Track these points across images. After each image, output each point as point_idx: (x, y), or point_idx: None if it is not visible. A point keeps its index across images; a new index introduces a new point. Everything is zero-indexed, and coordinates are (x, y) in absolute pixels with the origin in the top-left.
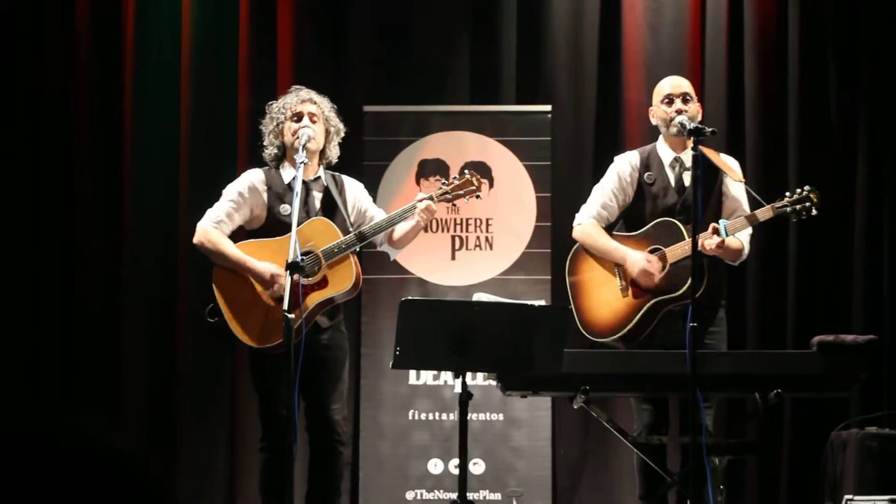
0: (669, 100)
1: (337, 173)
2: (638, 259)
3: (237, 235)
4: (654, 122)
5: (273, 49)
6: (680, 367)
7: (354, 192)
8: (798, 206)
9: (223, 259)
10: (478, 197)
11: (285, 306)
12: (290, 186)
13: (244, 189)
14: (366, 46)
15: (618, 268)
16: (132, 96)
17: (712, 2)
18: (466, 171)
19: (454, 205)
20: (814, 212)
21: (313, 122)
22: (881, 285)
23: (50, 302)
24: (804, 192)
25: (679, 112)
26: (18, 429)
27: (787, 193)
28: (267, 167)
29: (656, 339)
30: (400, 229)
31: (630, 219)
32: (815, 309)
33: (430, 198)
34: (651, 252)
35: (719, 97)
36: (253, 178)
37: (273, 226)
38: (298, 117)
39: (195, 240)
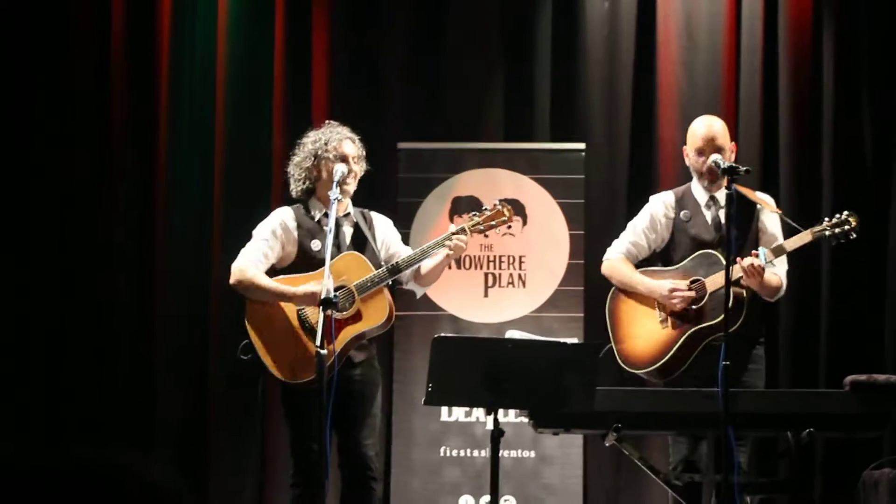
0: (701, 152)
1: (366, 210)
2: (663, 283)
3: (269, 275)
4: (687, 162)
5: (308, 87)
6: (712, 406)
7: (383, 228)
8: (837, 230)
9: (262, 293)
10: (509, 227)
11: (318, 342)
12: (319, 223)
13: (277, 227)
14: (401, 82)
15: (657, 302)
16: (167, 136)
17: (747, 40)
18: (498, 203)
19: (486, 236)
20: (853, 235)
21: (355, 163)
22: None
23: (83, 334)
24: (843, 216)
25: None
26: (53, 461)
27: (826, 218)
28: (296, 205)
29: (694, 373)
30: (426, 265)
31: (667, 258)
32: (848, 347)
33: (462, 229)
34: (691, 283)
35: (753, 135)
36: (283, 216)
37: (304, 262)
38: (343, 158)
39: (232, 280)
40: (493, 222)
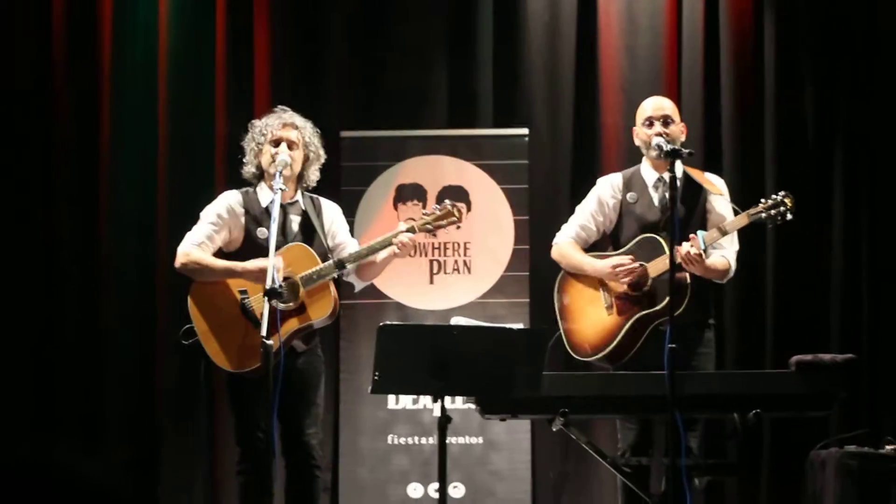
0: (650, 122)
1: (315, 196)
2: (606, 262)
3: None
4: (636, 142)
5: (250, 74)
6: (659, 389)
7: (331, 215)
8: (773, 212)
9: (210, 272)
10: (458, 227)
11: (263, 332)
12: (267, 210)
13: (223, 211)
14: (342, 71)
15: (602, 286)
16: (110, 121)
17: (688, 23)
18: (448, 201)
19: (435, 235)
20: (789, 216)
21: (292, 148)
22: (860, 303)
23: (28, 327)
24: (779, 198)
25: (659, 135)
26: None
27: (762, 200)
28: (244, 189)
29: (645, 359)
30: (374, 260)
31: (616, 240)
32: (793, 328)
33: (412, 229)
34: None
35: (696, 117)
36: (230, 199)
37: (250, 249)
38: (277, 143)
39: (177, 263)
40: (443, 222)
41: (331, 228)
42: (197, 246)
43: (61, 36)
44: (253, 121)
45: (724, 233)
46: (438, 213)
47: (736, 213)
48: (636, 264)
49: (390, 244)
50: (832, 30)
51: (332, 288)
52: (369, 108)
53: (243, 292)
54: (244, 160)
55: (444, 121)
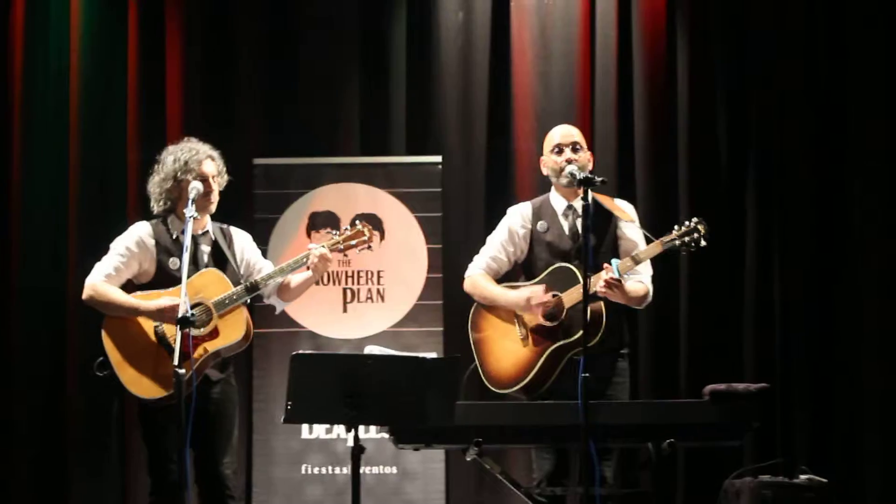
0: (559, 149)
1: (225, 225)
2: (520, 294)
3: (126, 289)
4: (545, 172)
5: (162, 102)
6: (573, 418)
7: (242, 243)
8: (686, 239)
9: (115, 308)
10: (369, 248)
11: (175, 361)
12: (178, 241)
13: (132, 243)
14: (255, 98)
15: (517, 318)
16: (20, 150)
17: (602, 50)
18: (358, 222)
19: (345, 255)
20: (703, 243)
21: (215, 181)
22: (772, 332)
23: None
24: (692, 224)
25: (569, 161)
26: None
27: (676, 227)
28: (154, 220)
29: (562, 389)
30: (292, 282)
31: (528, 269)
32: (707, 356)
33: (321, 248)
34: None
35: (610, 143)
36: (140, 231)
37: (162, 279)
38: (204, 179)
39: (84, 295)
40: (353, 242)
41: (243, 256)
42: (105, 278)
43: None
44: (162, 155)
45: (637, 261)
46: (348, 233)
47: (648, 239)
48: (549, 295)
49: (301, 265)
50: (745, 52)
51: (245, 311)
52: (282, 135)
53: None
54: (154, 196)
55: (357, 148)
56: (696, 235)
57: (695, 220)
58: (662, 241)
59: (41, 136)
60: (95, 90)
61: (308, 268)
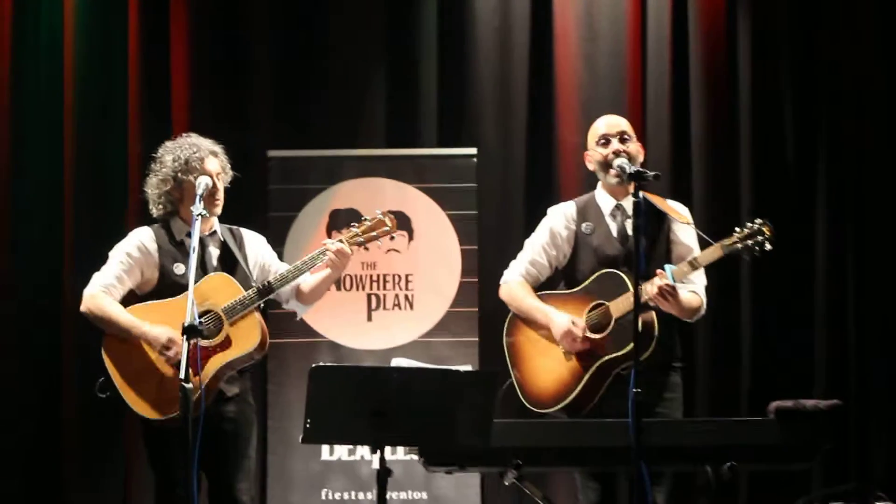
0: (606, 140)
1: (235, 227)
2: (560, 322)
3: (128, 300)
4: (590, 167)
5: (167, 87)
6: (623, 439)
7: (256, 246)
8: (750, 242)
9: (114, 326)
10: (392, 238)
11: (182, 374)
12: (182, 244)
13: (133, 249)
14: (270, 84)
15: None
16: (10, 144)
17: (654, 30)
18: (379, 211)
19: (366, 249)
20: (767, 247)
21: (219, 179)
22: (846, 343)
23: None
24: (755, 226)
25: (617, 154)
26: None
27: (737, 229)
28: (157, 225)
29: (606, 408)
30: (309, 282)
31: (570, 275)
32: (772, 371)
33: (340, 242)
34: (594, 308)
35: (663, 135)
36: (142, 237)
37: (166, 287)
38: (207, 176)
39: (82, 307)
40: (374, 233)
41: (257, 260)
42: (104, 289)
43: None
44: (159, 152)
45: (695, 267)
46: (369, 223)
47: (705, 243)
48: (585, 342)
49: (318, 262)
50: (812, 33)
51: (259, 317)
52: (300, 124)
53: None
54: (153, 198)
55: (383, 140)
56: (759, 238)
57: (758, 221)
58: (723, 244)
59: (32, 129)
60: (93, 76)
61: (326, 265)
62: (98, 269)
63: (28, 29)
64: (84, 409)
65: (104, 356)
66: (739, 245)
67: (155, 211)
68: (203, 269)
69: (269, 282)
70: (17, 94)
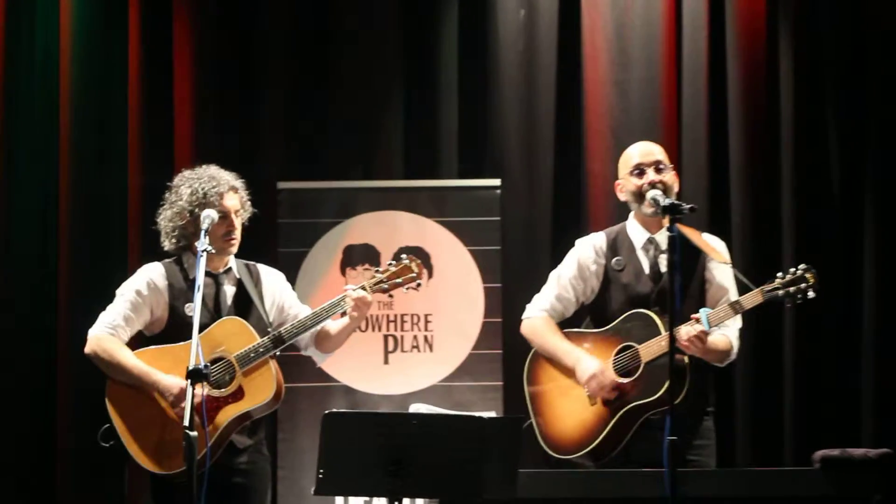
0: (640, 170)
1: (252, 262)
2: (588, 366)
3: (135, 342)
4: (622, 197)
5: (169, 113)
6: (657, 489)
7: (273, 284)
8: (792, 289)
9: (121, 372)
10: (418, 286)
11: (186, 422)
12: (195, 282)
13: (142, 287)
14: (279, 111)
15: None
16: (3, 175)
17: (690, 54)
18: (404, 256)
19: (390, 296)
20: (811, 294)
21: (237, 216)
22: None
23: None
24: (798, 272)
25: (653, 184)
26: None
27: (779, 274)
28: (168, 260)
29: (632, 454)
30: (329, 329)
31: (598, 313)
32: (817, 417)
33: (363, 288)
34: (622, 350)
35: (700, 165)
36: (151, 273)
37: (176, 329)
38: (225, 215)
39: (87, 349)
40: (399, 279)
41: (275, 300)
42: (111, 330)
43: None
44: (175, 183)
45: (737, 311)
46: (393, 269)
47: (742, 285)
48: (613, 391)
49: (337, 310)
50: (859, 55)
51: (275, 366)
52: (312, 154)
53: None
54: (166, 230)
55: (400, 170)
56: (803, 286)
57: (802, 266)
58: (763, 290)
59: (24, 157)
60: (90, 101)
61: (345, 313)
62: (94, 307)
63: (22, 51)
64: (77, 459)
65: (108, 403)
66: (781, 292)
67: (167, 244)
68: (217, 310)
69: (280, 333)
70: (10, 117)
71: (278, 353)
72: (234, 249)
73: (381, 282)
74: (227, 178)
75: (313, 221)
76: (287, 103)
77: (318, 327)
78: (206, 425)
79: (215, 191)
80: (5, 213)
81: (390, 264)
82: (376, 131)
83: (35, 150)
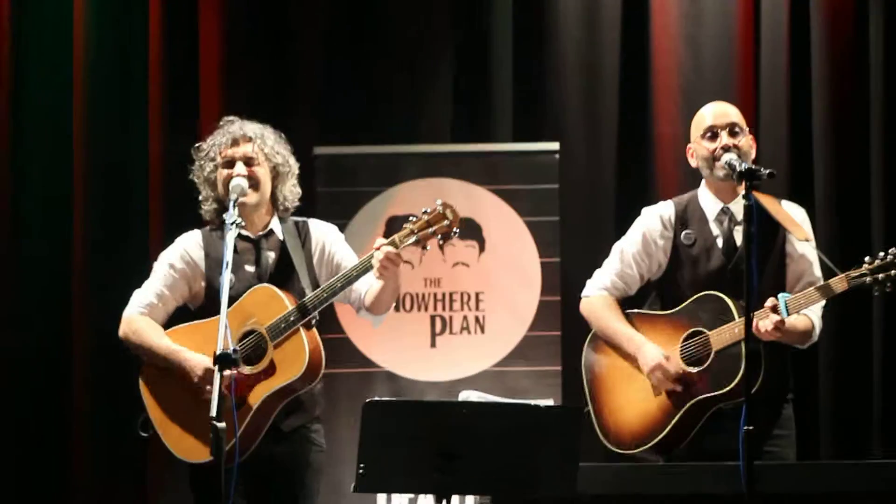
0: (713, 133)
1: (303, 219)
2: (651, 355)
3: (177, 317)
4: (693, 163)
5: (195, 76)
6: (732, 485)
7: (322, 237)
8: (881, 276)
9: (152, 355)
10: (454, 234)
11: (213, 411)
12: (237, 249)
13: (176, 259)
14: (316, 71)
15: None
16: (9, 145)
17: (769, 6)
18: (439, 203)
19: (425, 248)
20: None
21: (251, 165)
22: None
23: None
24: (889, 258)
25: (726, 148)
26: None
27: (867, 259)
28: (207, 228)
29: (701, 445)
30: (371, 292)
31: (666, 290)
32: None
33: (392, 242)
34: (691, 336)
35: (779, 130)
36: (187, 244)
37: (215, 302)
38: (230, 163)
39: (120, 332)
40: (431, 229)
41: (325, 257)
42: (144, 309)
43: None
44: (199, 144)
45: (826, 295)
46: (426, 217)
47: (822, 266)
48: (677, 382)
49: (367, 269)
50: None
51: (307, 335)
52: (351, 117)
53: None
54: (199, 198)
55: (448, 134)
56: (893, 272)
57: (893, 251)
58: (849, 276)
59: (37, 127)
60: (106, 63)
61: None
62: (115, 286)
63: (32, 18)
64: (95, 447)
65: (142, 388)
66: (869, 279)
67: (206, 213)
68: (259, 279)
69: (304, 302)
70: (19, 85)
71: (317, 320)
72: (254, 199)
73: (410, 231)
74: (236, 128)
75: (353, 190)
76: (325, 62)
77: (362, 288)
78: (236, 413)
79: (218, 143)
80: (18, 186)
81: (424, 211)
82: (423, 92)
83: (46, 120)
